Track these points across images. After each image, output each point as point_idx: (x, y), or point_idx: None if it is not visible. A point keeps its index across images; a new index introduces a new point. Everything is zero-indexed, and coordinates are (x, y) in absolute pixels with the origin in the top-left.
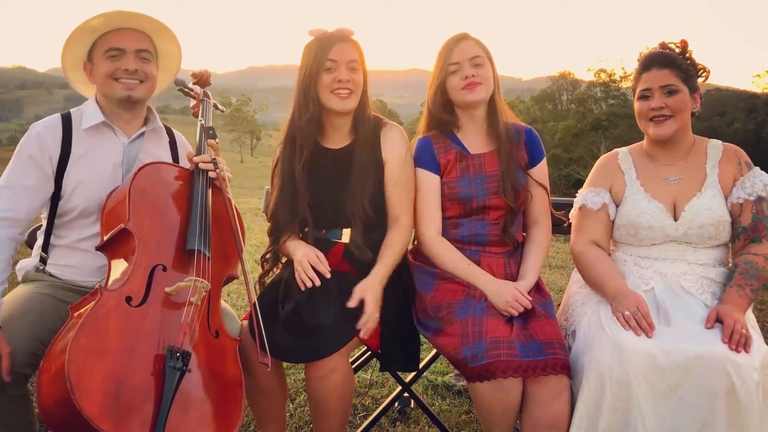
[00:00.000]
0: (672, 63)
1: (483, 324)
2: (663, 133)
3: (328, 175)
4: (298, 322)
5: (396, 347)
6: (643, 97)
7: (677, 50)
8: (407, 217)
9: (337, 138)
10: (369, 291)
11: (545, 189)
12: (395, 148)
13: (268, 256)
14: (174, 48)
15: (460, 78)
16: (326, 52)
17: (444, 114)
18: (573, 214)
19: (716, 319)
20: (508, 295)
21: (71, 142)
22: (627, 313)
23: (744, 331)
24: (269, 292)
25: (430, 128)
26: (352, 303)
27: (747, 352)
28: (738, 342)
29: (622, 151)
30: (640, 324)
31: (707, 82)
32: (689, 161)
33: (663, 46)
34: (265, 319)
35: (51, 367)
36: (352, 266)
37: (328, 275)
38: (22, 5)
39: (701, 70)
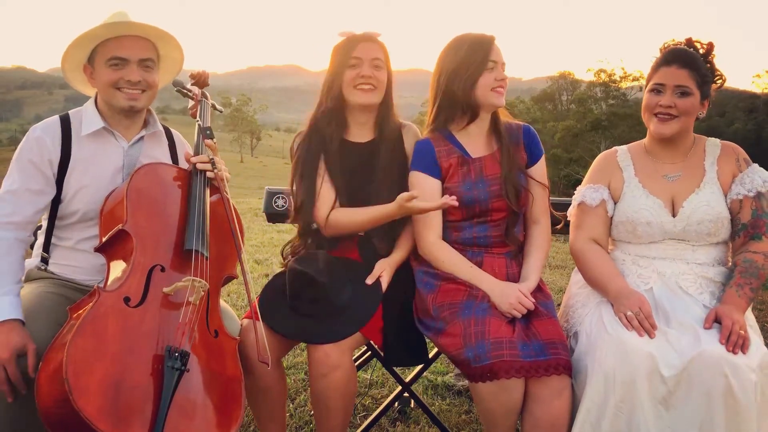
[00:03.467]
0: (693, 64)
1: (485, 324)
2: (664, 131)
3: (351, 168)
4: (324, 305)
5: (399, 343)
6: (655, 90)
7: (702, 51)
8: None
9: (361, 132)
10: (387, 269)
11: (545, 187)
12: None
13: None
14: (177, 53)
15: (495, 78)
16: (351, 50)
17: (468, 107)
18: (571, 212)
19: (715, 320)
20: (511, 297)
21: (71, 145)
22: (629, 313)
23: (742, 332)
24: (277, 283)
25: (438, 117)
26: (371, 279)
27: (744, 353)
28: (735, 343)
29: (621, 149)
30: (643, 324)
31: None
32: (688, 159)
33: (689, 42)
34: (276, 310)
35: (49, 368)
36: (361, 256)
37: None
38: (22, 5)
39: (718, 77)
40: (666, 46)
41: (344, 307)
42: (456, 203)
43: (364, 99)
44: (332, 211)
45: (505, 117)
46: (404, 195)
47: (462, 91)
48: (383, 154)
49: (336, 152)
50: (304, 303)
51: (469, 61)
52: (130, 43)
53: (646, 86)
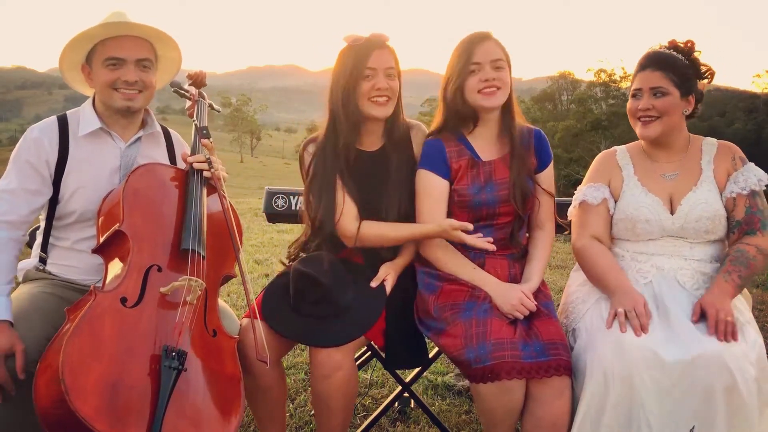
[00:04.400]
0: (667, 66)
1: (487, 325)
2: (648, 134)
3: (363, 177)
4: (326, 306)
5: (401, 345)
6: (634, 96)
7: (685, 50)
8: None
9: (371, 141)
10: (392, 272)
11: (551, 195)
12: None
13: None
14: (175, 53)
15: (480, 80)
16: (365, 60)
17: (467, 112)
18: (572, 211)
19: (701, 311)
20: (513, 298)
21: (68, 146)
22: (620, 310)
23: (729, 318)
24: (279, 283)
25: (445, 126)
26: (375, 282)
27: (735, 339)
28: (725, 332)
29: (620, 149)
30: (632, 322)
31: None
32: (685, 158)
33: (672, 44)
34: (279, 310)
35: (47, 369)
36: (365, 260)
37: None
38: (22, 5)
39: (706, 71)
40: (648, 52)
41: (347, 309)
42: (494, 248)
43: (380, 112)
44: (362, 225)
45: (519, 119)
46: (453, 223)
47: (455, 97)
48: (393, 161)
49: (352, 163)
50: (306, 304)
51: (456, 67)
52: (128, 44)
53: (629, 93)
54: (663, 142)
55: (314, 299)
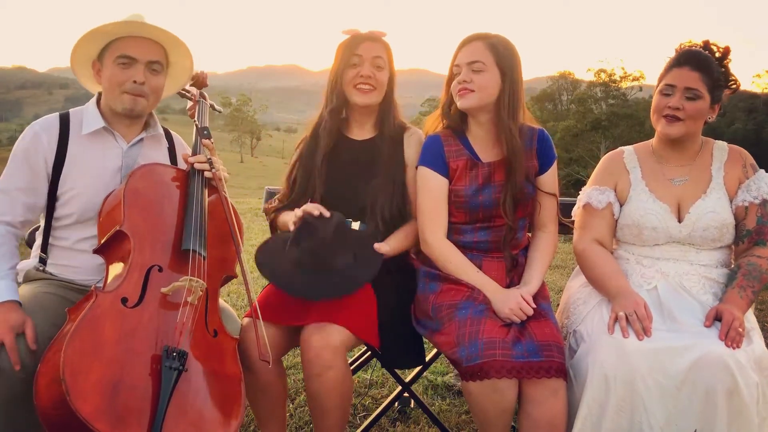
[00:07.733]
0: (705, 68)
1: (480, 324)
2: (670, 132)
3: (347, 165)
4: (317, 260)
5: (397, 345)
6: (665, 92)
7: (718, 54)
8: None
9: (361, 131)
10: (386, 248)
11: (554, 196)
12: (418, 153)
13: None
14: (187, 62)
15: (458, 81)
16: (354, 49)
17: (459, 112)
18: (576, 212)
19: (716, 317)
20: (512, 303)
21: (67, 145)
22: (621, 313)
23: (741, 329)
24: (280, 236)
25: (445, 120)
26: (377, 246)
27: (739, 347)
28: (734, 339)
29: (628, 150)
30: (633, 325)
31: None
32: (695, 163)
33: (706, 45)
34: (277, 257)
35: (47, 369)
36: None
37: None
38: (22, 5)
39: (732, 82)
40: (681, 47)
41: (335, 271)
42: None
43: (362, 99)
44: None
45: (527, 119)
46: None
47: (449, 95)
48: (380, 153)
49: (332, 148)
50: (301, 251)
51: (450, 66)
52: (142, 44)
53: (656, 87)
54: (679, 145)
55: (309, 249)
